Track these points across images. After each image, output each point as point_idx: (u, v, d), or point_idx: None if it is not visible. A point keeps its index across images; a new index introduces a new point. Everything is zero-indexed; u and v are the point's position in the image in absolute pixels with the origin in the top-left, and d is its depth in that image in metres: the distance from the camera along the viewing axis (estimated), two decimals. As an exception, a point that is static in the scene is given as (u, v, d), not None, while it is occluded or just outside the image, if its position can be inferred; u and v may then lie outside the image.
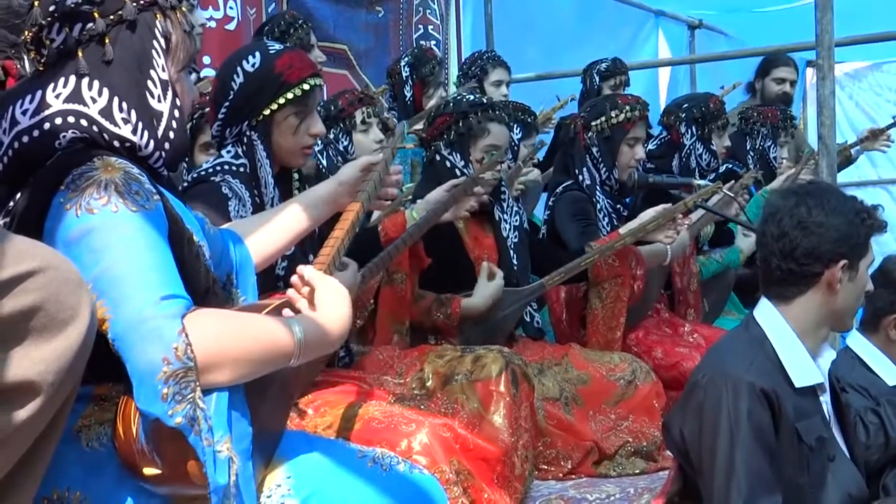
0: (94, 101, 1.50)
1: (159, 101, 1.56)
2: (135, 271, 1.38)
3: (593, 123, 3.58)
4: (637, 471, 2.91)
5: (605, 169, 3.59)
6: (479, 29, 6.00)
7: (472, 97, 3.20)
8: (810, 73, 7.60)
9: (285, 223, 1.98)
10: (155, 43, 1.57)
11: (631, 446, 2.95)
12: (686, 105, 4.10)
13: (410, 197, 3.17)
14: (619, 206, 3.68)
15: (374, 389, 2.42)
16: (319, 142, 3.38)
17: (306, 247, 2.41)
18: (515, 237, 3.18)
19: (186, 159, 2.97)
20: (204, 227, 1.68)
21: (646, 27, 7.34)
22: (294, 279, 1.57)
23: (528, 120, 4.31)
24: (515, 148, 4.06)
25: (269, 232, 1.95)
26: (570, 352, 3.11)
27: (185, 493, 1.43)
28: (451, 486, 2.12)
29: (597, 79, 4.93)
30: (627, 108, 3.57)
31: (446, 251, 2.99)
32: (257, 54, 2.37)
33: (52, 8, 1.52)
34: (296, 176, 2.51)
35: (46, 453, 1.29)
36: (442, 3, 5.83)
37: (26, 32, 1.55)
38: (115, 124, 1.50)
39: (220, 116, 2.39)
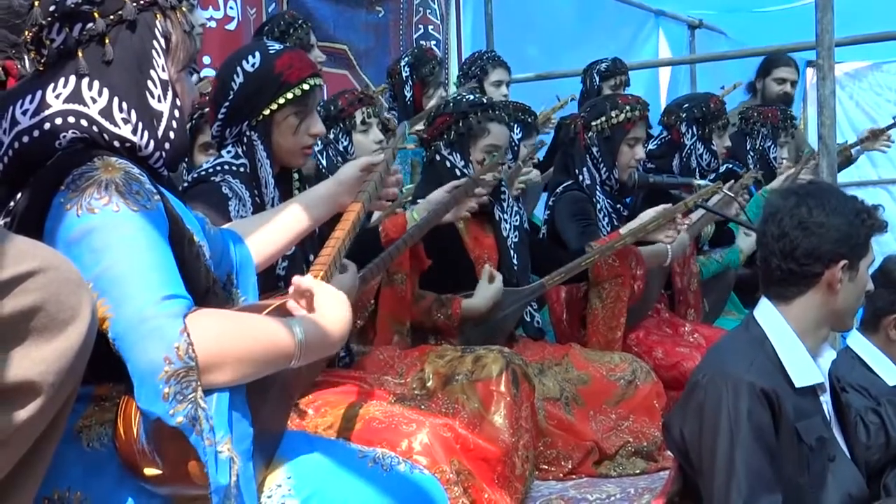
0: (94, 101, 1.50)
1: (159, 101, 1.56)
2: (136, 271, 1.38)
3: (593, 123, 3.58)
4: (637, 471, 2.91)
5: (605, 169, 3.59)
6: (479, 29, 6.00)
7: (472, 97, 3.20)
8: (810, 73, 7.60)
9: (286, 223, 1.98)
10: (155, 43, 1.57)
11: (631, 446, 2.95)
12: (687, 105, 4.10)
13: (410, 198, 3.17)
14: (619, 206, 3.68)
15: (374, 389, 2.42)
16: (319, 142, 3.38)
17: (307, 247, 2.41)
18: (516, 237, 3.18)
19: (186, 159, 2.97)
20: (204, 227, 1.68)
21: (646, 27, 7.34)
22: (292, 290, 1.56)
23: (529, 120, 4.31)
24: (516, 148, 4.06)
25: (270, 232, 1.95)
26: (571, 352, 3.11)
27: (185, 494, 1.43)
28: (452, 486, 2.12)
29: (597, 79, 4.93)
30: (627, 108, 3.57)
31: (446, 251, 2.99)
32: (257, 54, 2.37)
33: (52, 8, 1.52)
34: (296, 176, 2.51)
35: (47, 453, 1.29)
36: (442, 3, 5.83)
37: (26, 32, 1.55)
38: (115, 124, 1.50)
39: (219, 116, 2.38)
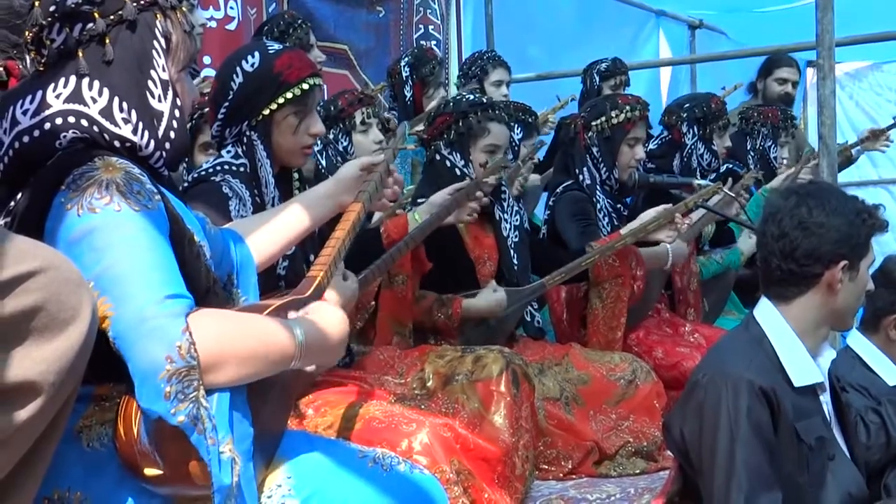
0: (94, 101, 1.50)
1: (160, 101, 1.56)
2: (137, 270, 1.38)
3: (593, 123, 3.58)
4: (637, 471, 2.91)
5: (605, 169, 3.59)
6: (479, 29, 6.00)
7: (472, 97, 3.20)
8: (811, 72, 7.59)
9: (286, 223, 1.98)
10: (155, 43, 1.57)
11: (631, 446, 2.95)
12: (688, 105, 4.10)
13: (410, 199, 3.17)
14: (619, 206, 3.68)
15: (374, 389, 2.42)
16: (319, 142, 3.38)
17: (307, 247, 2.41)
18: (516, 237, 3.18)
19: (186, 159, 2.97)
20: (205, 227, 1.68)
21: (647, 27, 7.34)
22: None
23: (529, 120, 4.31)
24: (516, 148, 4.06)
25: (270, 232, 1.95)
26: (571, 352, 3.11)
27: (186, 494, 1.43)
28: (452, 485, 2.12)
29: (597, 79, 4.93)
30: (627, 108, 3.57)
31: (447, 251, 2.99)
32: (256, 54, 2.37)
33: (52, 8, 1.52)
34: (296, 176, 2.51)
35: (47, 453, 1.29)
36: (442, 2, 5.83)
37: (27, 32, 1.55)
38: (116, 124, 1.50)
39: (219, 116, 2.39)
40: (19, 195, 1.51)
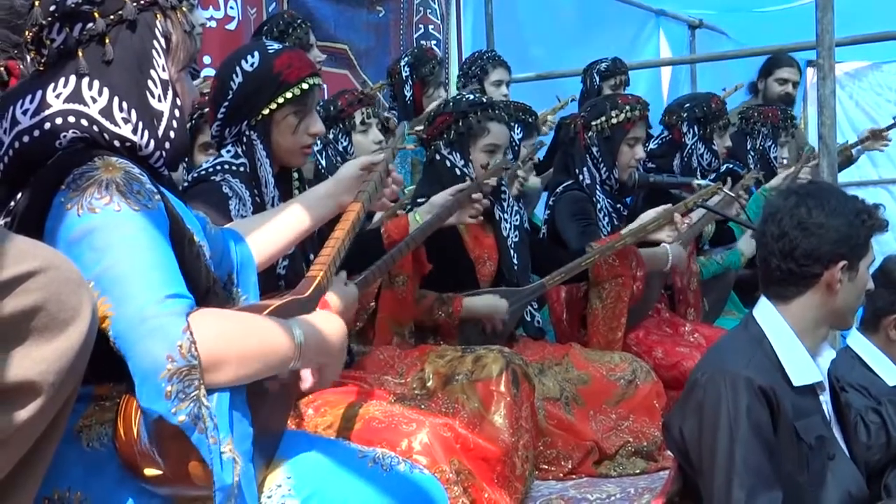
0: (94, 100, 1.50)
1: (160, 100, 1.56)
2: (137, 270, 1.38)
3: (593, 123, 3.59)
4: (637, 471, 2.91)
5: (605, 169, 3.59)
6: (479, 29, 6.00)
7: (471, 97, 3.20)
8: (811, 72, 7.59)
9: (287, 223, 1.98)
10: (155, 43, 1.57)
11: (631, 446, 2.95)
12: (688, 105, 4.11)
13: (410, 199, 3.17)
14: (619, 205, 3.68)
15: (374, 389, 2.42)
16: (319, 142, 3.38)
17: (307, 247, 2.41)
18: (516, 237, 3.18)
19: (186, 159, 2.97)
20: (205, 226, 1.68)
21: (647, 27, 7.34)
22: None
23: (529, 120, 4.31)
24: (516, 148, 4.06)
25: (271, 232, 1.95)
26: (571, 351, 3.11)
27: (186, 494, 1.43)
28: (452, 485, 2.12)
29: (597, 78, 4.93)
30: (627, 108, 3.57)
31: (447, 251, 2.99)
32: (256, 54, 2.37)
33: (52, 8, 1.52)
34: (295, 175, 2.51)
35: (47, 453, 1.29)
36: (443, 2, 5.83)
37: (26, 32, 1.55)
38: (116, 124, 1.50)
39: (219, 116, 2.39)
40: (19, 195, 1.51)
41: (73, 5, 1.51)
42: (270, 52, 2.39)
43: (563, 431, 2.88)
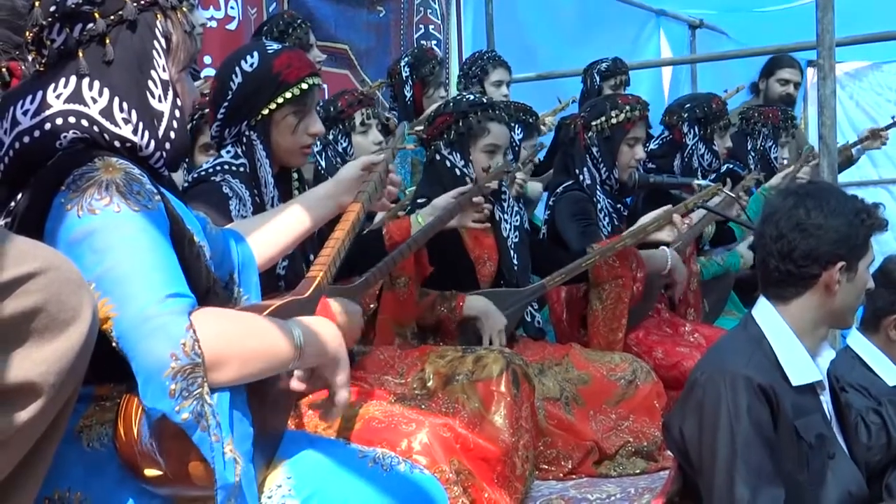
0: (94, 101, 1.50)
1: (160, 101, 1.56)
2: (138, 270, 1.38)
3: (593, 123, 3.58)
4: (637, 471, 2.91)
5: (605, 169, 3.59)
6: (479, 29, 6.00)
7: (472, 97, 3.20)
8: (811, 72, 7.59)
9: (287, 223, 1.99)
10: (155, 43, 1.57)
11: (631, 446, 2.95)
12: (689, 105, 4.11)
13: (410, 200, 3.17)
14: (619, 205, 3.68)
15: (374, 389, 2.42)
16: (318, 143, 3.38)
17: (307, 247, 2.42)
18: (516, 237, 3.18)
19: (187, 160, 2.97)
20: (205, 227, 1.68)
21: (647, 27, 7.35)
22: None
23: (530, 120, 4.31)
24: (517, 148, 4.07)
25: (271, 232, 1.95)
26: (571, 352, 3.11)
27: (186, 494, 1.43)
28: (452, 485, 2.12)
29: (597, 79, 4.93)
30: (627, 108, 3.57)
31: (446, 251, 2.99)
32: (255, 54, 2.37)
33: (52, 8, 1.52)
34: (295, 176, 2.51)
35: (48, 454, 1.29)
36: (443, 2, 5.83)
37: (27, 32, 1.55)
38: (116, 124, 1.50)
39: (219, 117, 2.39)
40: (19, 196, 1.51)
41: (73, 6, 1.52)
42: (270, 52, 2.39)
43: (564, 431, 2.88)
